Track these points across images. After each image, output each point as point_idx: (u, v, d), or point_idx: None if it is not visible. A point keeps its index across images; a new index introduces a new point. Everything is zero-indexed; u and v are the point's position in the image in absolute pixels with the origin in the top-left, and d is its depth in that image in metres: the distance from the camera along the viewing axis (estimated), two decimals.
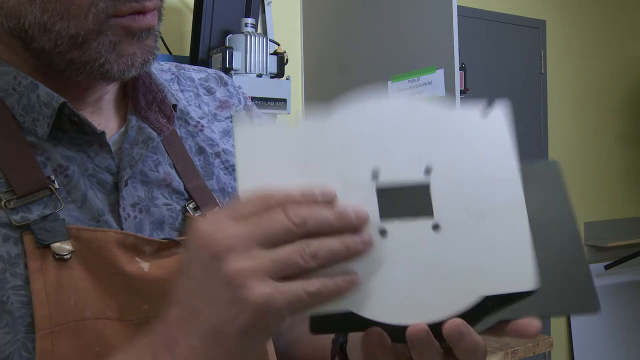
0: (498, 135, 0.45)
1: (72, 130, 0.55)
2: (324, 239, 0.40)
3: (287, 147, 0.43)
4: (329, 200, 0.41)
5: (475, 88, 2.79)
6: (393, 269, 0.42)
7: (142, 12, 0.52)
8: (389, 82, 2.08)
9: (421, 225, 0.43)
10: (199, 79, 0.71)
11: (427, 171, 0.44)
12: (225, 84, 0.73)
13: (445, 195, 0.43)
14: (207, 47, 2.01)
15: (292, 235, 0.40)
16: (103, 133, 0.56)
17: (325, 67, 2.44)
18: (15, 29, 0.51)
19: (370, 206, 0.42)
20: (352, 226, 0.41)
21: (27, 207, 0.51)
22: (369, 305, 0.42)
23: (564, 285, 0.44)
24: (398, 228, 0.43)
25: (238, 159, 0.43)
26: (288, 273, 0.39)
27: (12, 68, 0.54)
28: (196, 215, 0.60)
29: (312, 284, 0.39)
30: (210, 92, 0.71)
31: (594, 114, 3.68)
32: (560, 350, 3.48)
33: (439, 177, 0.44)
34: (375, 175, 0.43)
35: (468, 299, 0.42)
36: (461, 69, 1.97)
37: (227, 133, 0.69)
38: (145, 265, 0.54)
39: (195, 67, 0.73)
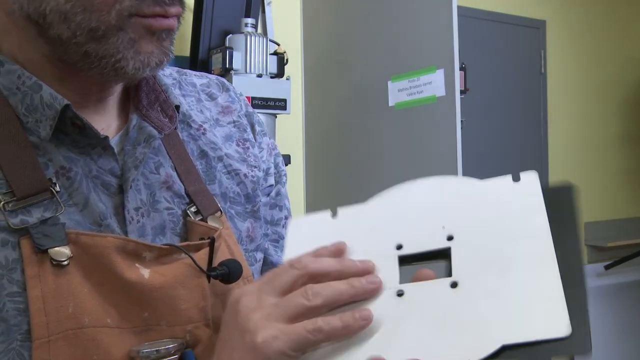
0: (528, 197, 0.47)
1: (75, 133, 0.54)
2: (329, 282, 0.44)
3: (327, 230, 0.51)
4: (338, 251, 0.47)
5: (475, 88, 2.79)
6: (408, 326, 0.44)
7: (164, 15, 0.52)
8: (389, 82, 2.08)
9: (439, 284, 0.44)
10: (200, 85, 0.70)
11: (450, 238, 0.46)
12: (227, 90, 0.72)
13: (466, 256, 0.45)
14: (207, 47, 2.01)
15: (300, 282, 0.45)
16: (106, 138, 0.55)
17: (325, 67, 2.44)
18: (34, 14, 0.50)
19: (391, 272, 0.46)
20: (357, 271, 0.45)
21: (27, 210, 0.50)
22: None
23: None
24: (415, 288, 0.45)
25: (287, 241, 0.52)
26: (296, 315, 0.43)
27: (16, 66, 0.53)
28: (197, 219, 0.59)
29: (313, 322, 0.42)
30: (212, 97, 0.70)
31: (594, 114, 3.68)
32: None
33: (460, 241, 0.46)
34: (399, 248, 0.47)
35: (487, 348, 0.42)
36: (461, 69, 1.97)
37: (230, 138, 0.68)
38: (145, 272, 0.52)
39: (197, 73, 0.72)
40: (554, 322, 0.43)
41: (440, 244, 0.46)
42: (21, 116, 0.53)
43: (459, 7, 1.85)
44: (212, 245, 0.56)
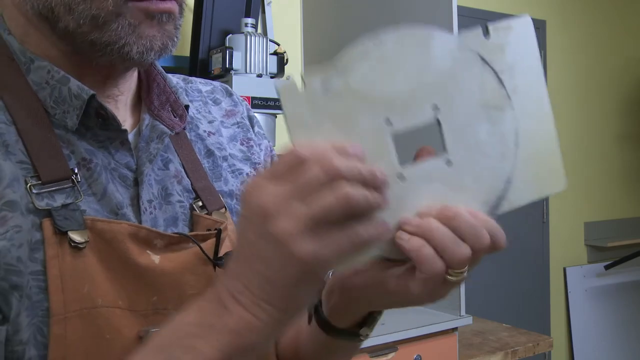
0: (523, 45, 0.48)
1: (97, 126, 0.58)
2: (354, 186, 0.41)
3: (318, 102, 0.45)
4: (359, 156, 0.43)
5: None
6: (413, 208, 0.45)
7: None
8: None
9: (435, 164, 0.46)
10: (205, 91, 0.75)
11: (435, 108, 0.46)
12: (230, 95, 0.77)
13: (455, 128, 0.47)
14: (207, 47, 2.01)
15: (327, 186, 0.41)
16: (125, 130, 0.59)
17: None
18: (43, 9, 0.54)
19: (389, 156, 0.45)
20: (378, 182, 0.42)
21: (51, 195, 0.53)
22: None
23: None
24: (414, 171, 0.46)
25: (286, 114, 0.44)
26: (328, 220, 0.40)
27: (46, 62, 0.57)
28: (203, 213, 0.62)
29: (351, 233, 0.41)
30: (216, 103, 0.75)
31: (594, 114, 3.68)
32: (560, 350, 3.48)
33: (446, 109, 0.46)
34: (388, 122, 0.46)
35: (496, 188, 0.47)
36: None
37: (234, 138, 0.72)
38: (155, 258, 0.56)
39: (202, 80, 0.77)
40: (554, 178, 0.49)
41: (427, 115, 0.47)
42: (49, 109, 0.56)
43: (459, 7, 1.85)
44: (218, 236, 0.59)
